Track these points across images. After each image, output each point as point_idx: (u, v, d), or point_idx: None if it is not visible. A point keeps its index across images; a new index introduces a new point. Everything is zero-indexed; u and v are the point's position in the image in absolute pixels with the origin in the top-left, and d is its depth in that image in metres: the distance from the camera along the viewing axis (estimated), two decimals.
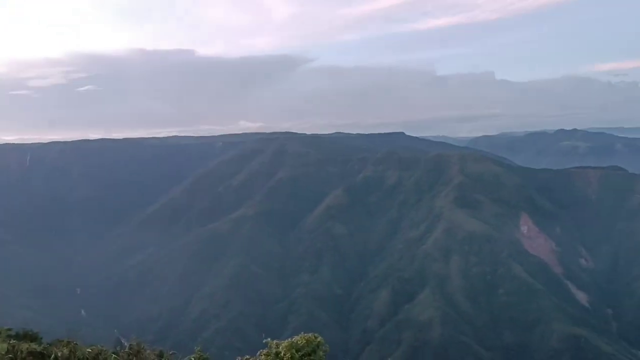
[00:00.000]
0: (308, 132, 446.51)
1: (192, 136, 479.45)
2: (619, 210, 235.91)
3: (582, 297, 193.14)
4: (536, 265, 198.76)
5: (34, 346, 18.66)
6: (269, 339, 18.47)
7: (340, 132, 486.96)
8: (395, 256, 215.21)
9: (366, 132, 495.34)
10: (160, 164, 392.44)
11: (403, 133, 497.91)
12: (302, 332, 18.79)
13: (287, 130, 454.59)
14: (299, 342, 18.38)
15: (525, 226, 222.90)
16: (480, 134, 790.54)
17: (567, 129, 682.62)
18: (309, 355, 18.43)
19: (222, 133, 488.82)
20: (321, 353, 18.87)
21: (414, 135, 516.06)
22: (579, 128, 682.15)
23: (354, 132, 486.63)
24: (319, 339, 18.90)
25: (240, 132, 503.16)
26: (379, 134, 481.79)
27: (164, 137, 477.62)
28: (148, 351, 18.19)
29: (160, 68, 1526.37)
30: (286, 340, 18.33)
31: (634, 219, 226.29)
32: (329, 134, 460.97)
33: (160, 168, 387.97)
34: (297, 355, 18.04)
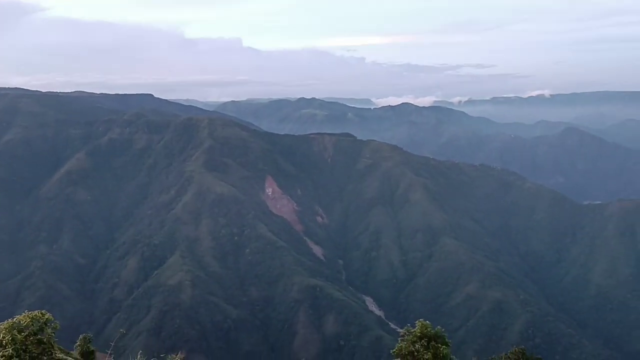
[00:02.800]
0: (44, 90, 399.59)
1: None
2: (350, 173, 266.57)
3: (318, 251, 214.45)
4: (280, 225, 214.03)
5: None
6: None
7: (82, 92, 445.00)
8: (145, 222, 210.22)
9: (112, 93, 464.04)
10: None
11: (152, 95, 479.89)
12: (26, 310, 17.86)
13: (18, 87, 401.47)
14: (22, 322, 17.38)
15: (270, 188, 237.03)
16: (228, 99, 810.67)
17: (307, 97, 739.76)
18: (35, 334, 17.61)
19: None
20: (50, 330, 18.17)
21: (163, 97, 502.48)
22: (317, 97, 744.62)
23: (98, 92, 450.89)
24: (46, 316, 18.13)
25: None
26: (126, 94, 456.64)
27: None
28: None
29: None
30: (6, 321, 17.19)
31: (361, 180, 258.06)
32: (69, 93, 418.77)
33: None
34: (19, 337, 17.09)
